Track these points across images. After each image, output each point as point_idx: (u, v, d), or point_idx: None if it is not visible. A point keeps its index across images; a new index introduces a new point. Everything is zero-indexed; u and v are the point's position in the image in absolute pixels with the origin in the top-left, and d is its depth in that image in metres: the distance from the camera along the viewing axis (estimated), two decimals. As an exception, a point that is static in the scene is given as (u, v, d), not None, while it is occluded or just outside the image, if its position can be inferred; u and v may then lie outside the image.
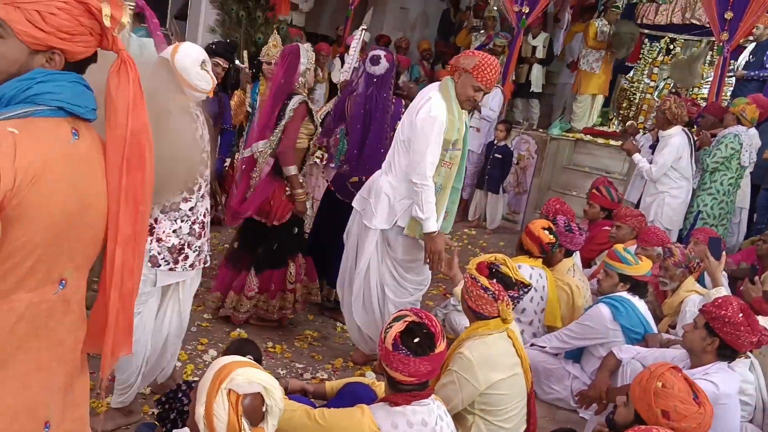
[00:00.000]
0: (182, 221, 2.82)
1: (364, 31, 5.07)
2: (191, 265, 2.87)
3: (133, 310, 1.52)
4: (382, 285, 3.65)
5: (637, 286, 3.61)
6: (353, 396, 2.53)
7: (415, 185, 3.34)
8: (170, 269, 2.76)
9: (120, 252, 1.42)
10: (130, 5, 3.48)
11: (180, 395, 2.48)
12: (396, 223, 3.51)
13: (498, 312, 2.75)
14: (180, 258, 2.81)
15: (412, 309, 2.36)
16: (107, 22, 1.32)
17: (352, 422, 2.22)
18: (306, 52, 3.79)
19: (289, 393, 2.62)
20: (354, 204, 3.73)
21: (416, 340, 2.22)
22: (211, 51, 4.56)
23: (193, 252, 2.87)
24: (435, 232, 3.39)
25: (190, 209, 2.86)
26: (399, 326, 2.24)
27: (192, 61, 2.80)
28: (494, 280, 2.81)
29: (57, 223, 1.31)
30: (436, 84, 3.53)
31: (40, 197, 1.25)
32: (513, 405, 2.81)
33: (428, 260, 3.48)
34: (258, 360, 2.40)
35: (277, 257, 3.97)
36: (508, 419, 2.80)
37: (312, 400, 2.67)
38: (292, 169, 3.79)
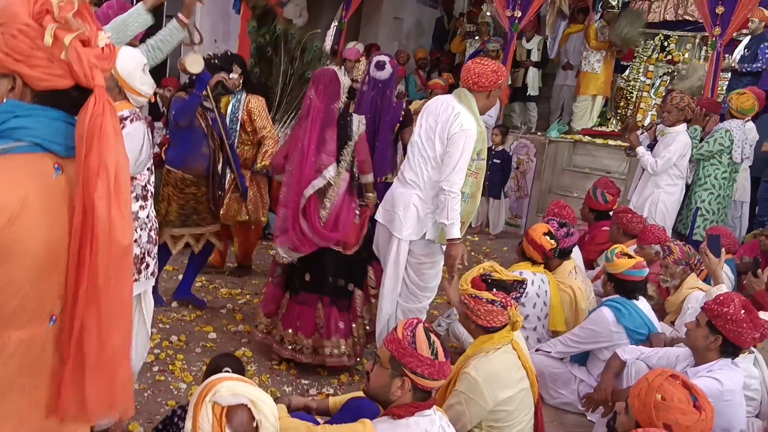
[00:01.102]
0: (141, 229, 2.77)
1: (335, 29, 5.16)
2: (152, 273, 2.86)
3: (98, 372, 1.34)
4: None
5: (621, 285, 3.57)
6: (356, 410, 2.51)
7: (444, 192, 3.41)
8: (134, 280, 2.65)
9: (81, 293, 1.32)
10: None
11: (176, 419, 2.49)
12: (425, 235, 3.57)
13: (509, 318, 2.75)
14: (142, 267, 2.77)
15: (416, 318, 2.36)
16: (56, 11, 1.26)
17: (354, 438, 2.22)
18: (342, 76, 3.77)
19: (292, 410, 2.62)
20: (377, 217, 3.74)
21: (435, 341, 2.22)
22: (213, 66, 4.55)
23: (152, 259, 2.86)
24: (458, 239, 3.46)
25: (147, 216, 2.84)
26: (421, 333, 2.21)
27: (135, 64, 2.69)
28: (494, 290, 2.79)
29: (40, 260, 1.28)
30: (449, 98, 3.56)
31: (20, 236, 1.23)
32: (521, 418, 2.80)
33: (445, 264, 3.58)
34: (239, 371, 2.39)
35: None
36: None
37: (315, 417, 2.67)
38: (371, 177, 3.89)
